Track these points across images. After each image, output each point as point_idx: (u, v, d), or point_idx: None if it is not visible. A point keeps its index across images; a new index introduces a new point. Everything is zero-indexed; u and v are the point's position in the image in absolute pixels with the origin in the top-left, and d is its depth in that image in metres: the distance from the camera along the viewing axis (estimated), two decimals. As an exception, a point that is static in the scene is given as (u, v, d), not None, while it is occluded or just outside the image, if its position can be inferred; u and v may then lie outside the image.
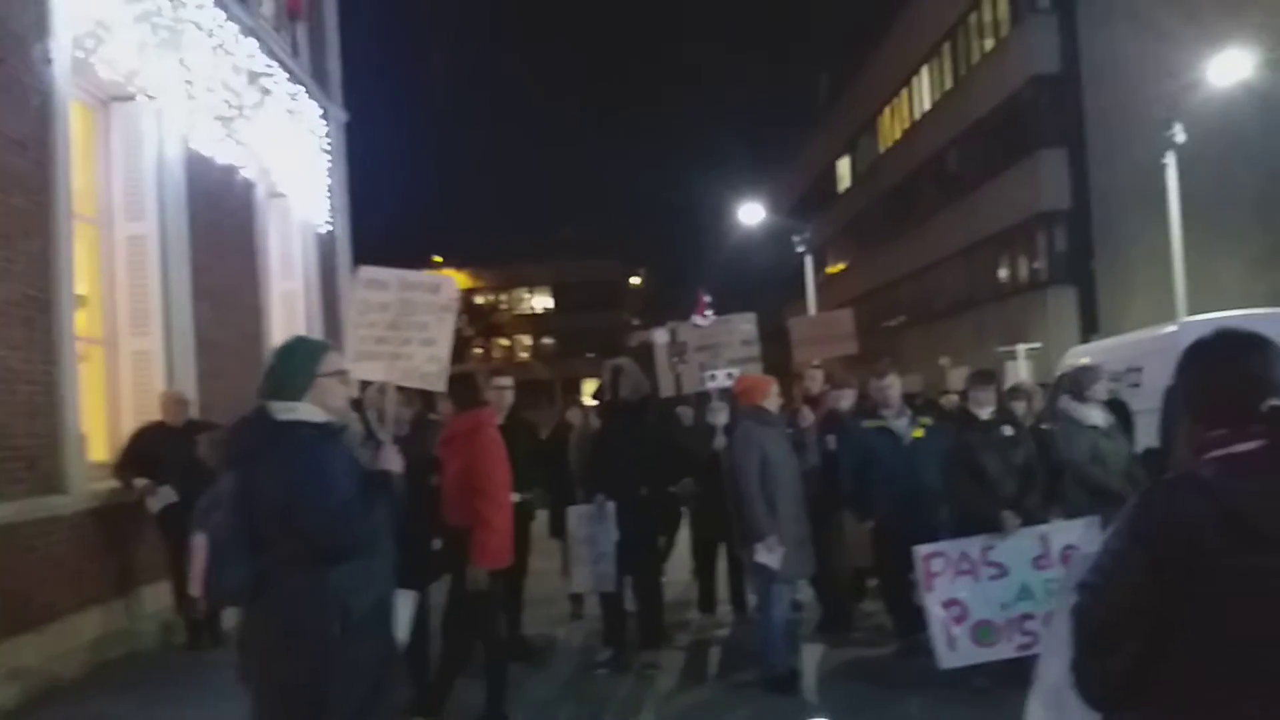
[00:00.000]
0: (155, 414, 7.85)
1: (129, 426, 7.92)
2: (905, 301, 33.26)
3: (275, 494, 3.09)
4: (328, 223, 12.43)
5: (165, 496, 7.01)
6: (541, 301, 59.79)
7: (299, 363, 3.29)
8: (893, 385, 6.71)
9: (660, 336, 7.43)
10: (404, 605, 3.84)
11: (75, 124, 7.38)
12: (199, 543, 3.14)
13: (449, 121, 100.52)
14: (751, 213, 24.16)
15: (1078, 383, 6.10)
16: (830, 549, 7.09)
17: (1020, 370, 18.64)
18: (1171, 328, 13.52)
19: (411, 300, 4.52)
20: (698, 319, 7.55)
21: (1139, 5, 22.27)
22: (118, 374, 8.13)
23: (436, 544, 5.46)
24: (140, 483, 7.08)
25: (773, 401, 6.25)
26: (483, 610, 5.18)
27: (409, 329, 4.50)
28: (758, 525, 5.78)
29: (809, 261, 22.57)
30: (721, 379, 7.09)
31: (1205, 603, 1.84)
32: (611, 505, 6.44)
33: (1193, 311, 15.49)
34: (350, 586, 3.14)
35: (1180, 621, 1.86)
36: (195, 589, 3.18)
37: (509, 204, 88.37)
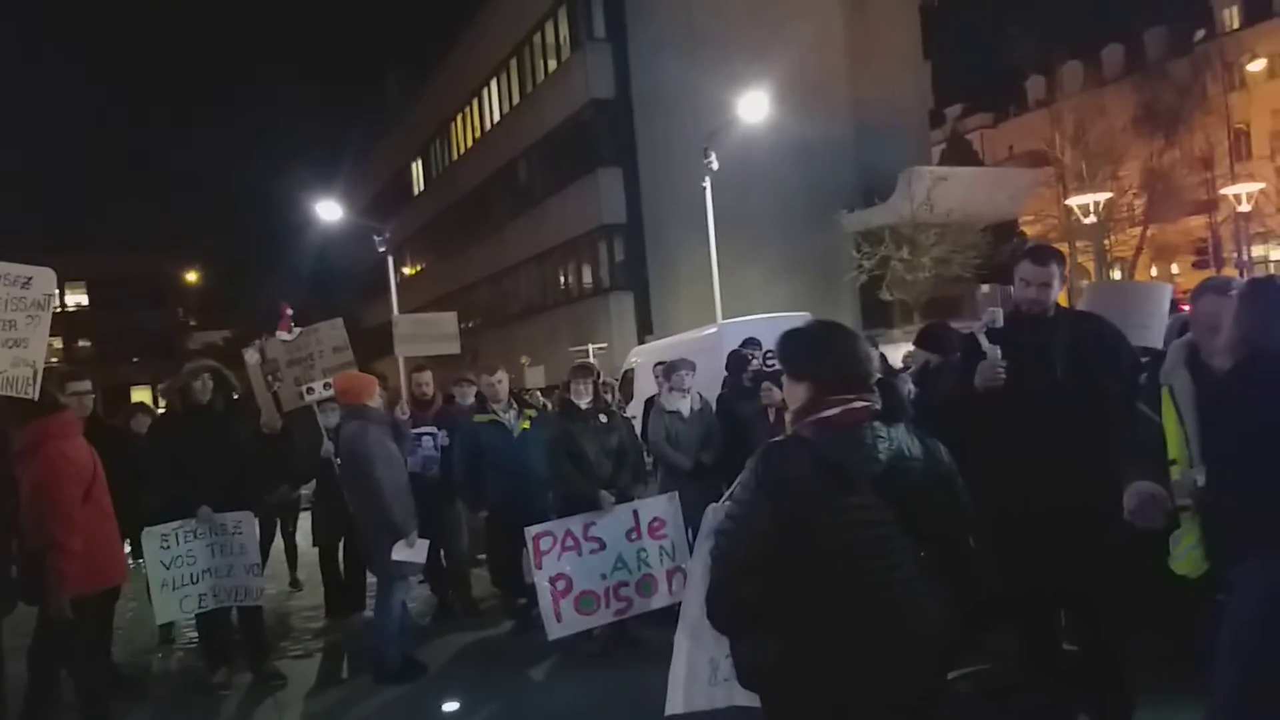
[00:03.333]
0: None
1: None
2: (483, 304, 34.29)
3: None
4: None
5: None
6: (75, 299, 51.87)
7: None
8: (502, 381, 7.13)
9: (251, 357, 7.07)
10: None
11: None
12: None
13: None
14: (328, 210, 23.33)
15: (667, 374, 6.95)
16: (449, 540, 7.36)
17: (590, 368, 20.19)
18: (713, 328, 15.73)
19: None
20: (283, 334, 7.29)
21: (680, 44, 25.30)
22: None
23: (13, 570, 4.82)
24: None
25: (376, 399, 6.25)
26: (66, 640, 4.66)
27: None
28: (397, 523, 5.79)
29: (390, 262, 22.41)
30: (320, 390, 7.00)
31: (810, 538, 2.34)
32: (243, 516, 6.06)
33: (727, 315, 17.95)
34: None
35: (792, 555, 2.35)
36: None
37: (34, 186, 75.62)
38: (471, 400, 7.55)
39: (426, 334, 8.65)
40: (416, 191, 41.81)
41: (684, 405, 6.94)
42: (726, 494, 2.66)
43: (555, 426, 6.65)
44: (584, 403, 6.48)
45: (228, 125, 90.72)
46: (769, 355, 7.93)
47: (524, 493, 6.72)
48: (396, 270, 23.96)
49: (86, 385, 5.78)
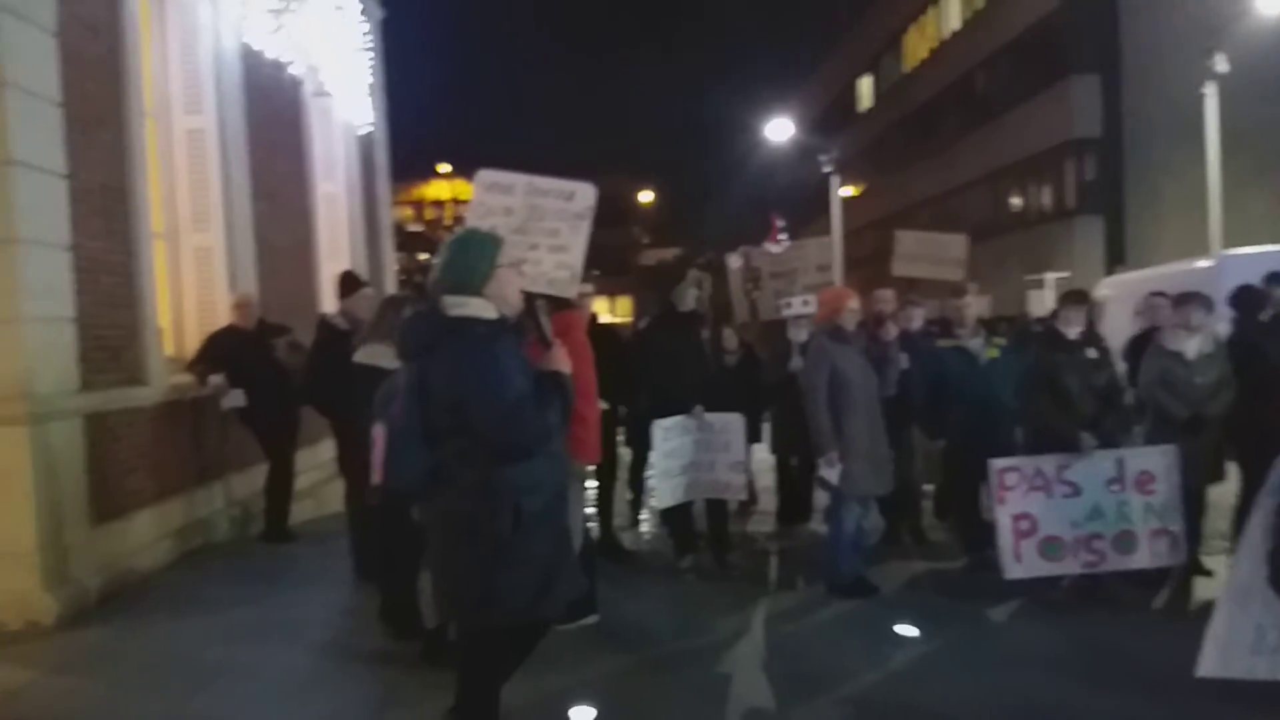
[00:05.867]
0: (217, 309, 7.88)
1: (192, 321, 7.94)
2: (925, 227, 32.97)
3: (447, 389, 3.10)
4: (369, 124, 12.23)
5: (234, 399, 7.11)
6: (549, 217, 59.25)
7: (478, 254, 3.26)
8: (969, 305, 6.74)
9: (734, 262, 7.31)
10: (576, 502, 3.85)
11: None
12: (378, 433, 3.19)
13: (470, 31, 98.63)
14: (778, 129, 23.78)
15: (1175, 307, 6.06)
16: (902, 466, 7.21)
17: (1046, 300, 18.59)
18: (1209, 261, 13.45)
19: (540, 206, 4.50)
20: (770, 245, 7.45)
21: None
22: (179, 269, 8.07)
23: None
24: (215, 380, 7.12)
25: (848, 318, 6.04)
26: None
27: (536, 234, 4.49)
28: (821, 441, 5.83)
29: (834, 182, 22.30)
30: (798, 306, 6.97)
31: None
32: (733, 417, 6.46)
33: (1224, 245, 15.37)
34: (524, 486, 3.15)
35: None
36: (375, 478, 3.23)
37: (521, 115, 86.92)
38: (918, 324, 7.23)
39: (931, 255, 8.29)
40: (862, 109, 40.98)
41: (1190, 346, 5.97)
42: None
43: (1037, 356, 6.13)
44: (1073, 333, 5.90)
45: (680, 50, 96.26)
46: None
47: (987, 424, 6.33)
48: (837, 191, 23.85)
49: (590, 288, 6.42)
